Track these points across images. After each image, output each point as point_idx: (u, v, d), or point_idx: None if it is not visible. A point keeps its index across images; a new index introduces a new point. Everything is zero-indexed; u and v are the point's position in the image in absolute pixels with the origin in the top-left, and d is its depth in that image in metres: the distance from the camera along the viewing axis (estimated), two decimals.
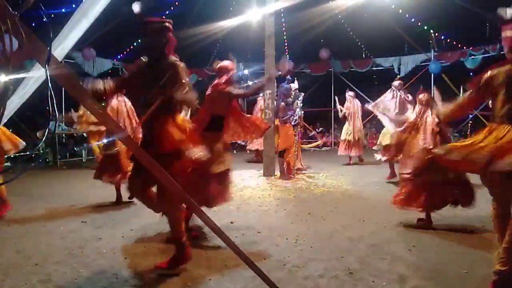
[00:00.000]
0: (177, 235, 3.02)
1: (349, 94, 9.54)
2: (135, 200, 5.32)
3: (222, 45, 12.57)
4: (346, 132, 9.23)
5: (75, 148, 10.85)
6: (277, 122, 7.58)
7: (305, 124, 10.60)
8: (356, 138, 9.05)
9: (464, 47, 11.30)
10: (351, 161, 9.27)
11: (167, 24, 2.94)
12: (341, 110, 9.40)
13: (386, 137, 6.75)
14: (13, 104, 2.22)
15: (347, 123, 9.32)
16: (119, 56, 12.23)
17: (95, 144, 8.49)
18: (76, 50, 9.96)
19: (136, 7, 3.00)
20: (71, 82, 1.62)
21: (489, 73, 2.80)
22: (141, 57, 2.98)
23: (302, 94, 7.90)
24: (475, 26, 11.27)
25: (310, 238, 3.81)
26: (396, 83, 6.88)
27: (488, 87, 2.79)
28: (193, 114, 4.07)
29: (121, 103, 5.46)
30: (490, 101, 2.85)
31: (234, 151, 11.23)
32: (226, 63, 4.02)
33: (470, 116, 12.10)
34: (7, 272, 3.03)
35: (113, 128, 2.19)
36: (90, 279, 2.92)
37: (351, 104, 9.30)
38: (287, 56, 12.80)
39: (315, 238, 3.81)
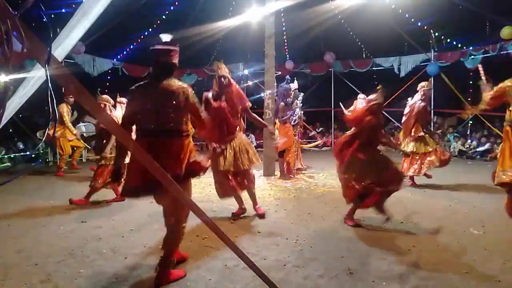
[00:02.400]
0: (172, 255, 2.92)
1: (359, 97, 9.47)
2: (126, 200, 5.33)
3: (222, 45, 12.57)
4: None
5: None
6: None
7: (305, 124, 10.61)
8: None
9: (464, 47, 11.30)
10: None
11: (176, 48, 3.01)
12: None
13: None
14: (14, 104, 2.22)
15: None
16: (119, 56, 12.22)
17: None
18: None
19: (166, 37, 3.22)
20: (71, 83, 1.62)
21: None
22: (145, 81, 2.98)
23: (302, 94, 7.90)
24: (475, 26, 11.26)
25: (310, 238, 3.81)
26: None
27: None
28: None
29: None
30: None
31: None
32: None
33: (470, 116, 12.10)
34: (7, 272, 3.03)
35: (114, 129, 2.19)
36: (90, 279, 2.92)
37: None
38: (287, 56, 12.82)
39: (315, 238, 3.82)
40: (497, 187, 4.07)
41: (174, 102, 2.80)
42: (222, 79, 4.39)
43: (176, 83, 2.89)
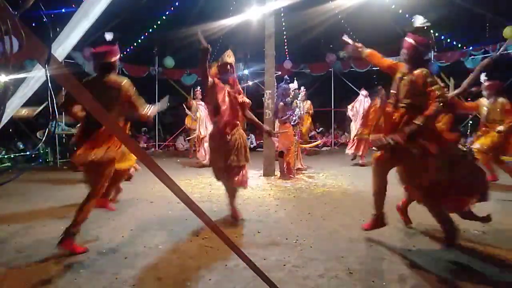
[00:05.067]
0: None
1: (361, 93, 9.59)
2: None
3: (222, 44, 12.58)
4: (352, 132, 9.36)
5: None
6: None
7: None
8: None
9: (464, 47, 11.31)
10: (359, 161, 9.15)
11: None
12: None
13: None
14: (14, 104, 2.22)
15: (352, 122, 9.44)
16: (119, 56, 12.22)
17: None
18: (76, 50, 9.96)
19: (108, 36, 3.70)
20: (71, 82, 1.62)
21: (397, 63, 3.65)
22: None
23: (302, 92, 7.92)
24: (475, 26, 11.27)
25: (310, 238, 3.81)
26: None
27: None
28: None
29: None
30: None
31: None
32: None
33: (470, 116, 12.10)
34: (7, 272, 3.03)
35: (114, 128, 2.19)
36: (90, 279, 2.92)
37: (359, 104, 9.34)
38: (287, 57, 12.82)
39: (315, 238, 3.82)
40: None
41: (109, 94, 3.42)
42: (229, 66, 4.28)
43: (113, 78, 3.52)
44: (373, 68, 13.03)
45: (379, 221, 3.75)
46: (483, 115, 6.23)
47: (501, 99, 6.06)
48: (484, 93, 6.23)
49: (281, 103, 7.35)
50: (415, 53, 3.48)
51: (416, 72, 3.38)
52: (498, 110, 6.04)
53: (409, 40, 3.53)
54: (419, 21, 3.58)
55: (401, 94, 3.47)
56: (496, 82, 6.22)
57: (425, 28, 3.56)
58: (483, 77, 6.26)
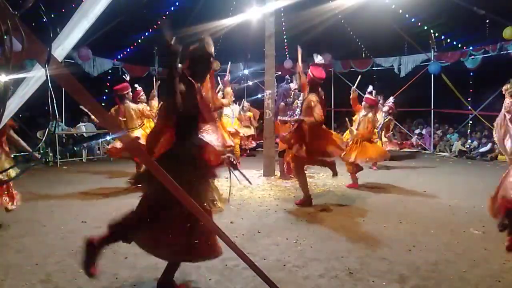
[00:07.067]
0: None
1: (367, 91, 9.49)
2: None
3: (222, 45, 12.58)
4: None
5: (75, 148, 10.84)
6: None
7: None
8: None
9: (464, 47, 11.30)
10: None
11: None
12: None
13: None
14: (13, 104, 2.22)
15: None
16: (119, 56, 12.22)
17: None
18: (75, 50, 9.97)
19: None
20: (71, 83, 1.62)
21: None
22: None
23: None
24: (475, 26, 11.28)
25: (310, 238, 3.81)
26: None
27: None
28: None
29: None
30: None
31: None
32: None
33: (470, 116, 12.10)
34: (7, 272, 3.03)
35: (115, 129, 2.18)
36: (90, 279, 2.91)
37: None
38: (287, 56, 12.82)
39: (315, 238, 3.82)
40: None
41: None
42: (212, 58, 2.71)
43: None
44: (373, 68, 13.06)
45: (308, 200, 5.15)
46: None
47: (370, 115, 6.49)
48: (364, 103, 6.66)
49: (282, 103, 7.35)
50: (311, 82, 5.03)
51: (309, 96, 4.97)
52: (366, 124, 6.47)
53: (309, 72, 5.02)
54: (317, 59, 5.09)
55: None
56: (373, 99, 6.79)
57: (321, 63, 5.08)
58: (369, 89, 6.95)
